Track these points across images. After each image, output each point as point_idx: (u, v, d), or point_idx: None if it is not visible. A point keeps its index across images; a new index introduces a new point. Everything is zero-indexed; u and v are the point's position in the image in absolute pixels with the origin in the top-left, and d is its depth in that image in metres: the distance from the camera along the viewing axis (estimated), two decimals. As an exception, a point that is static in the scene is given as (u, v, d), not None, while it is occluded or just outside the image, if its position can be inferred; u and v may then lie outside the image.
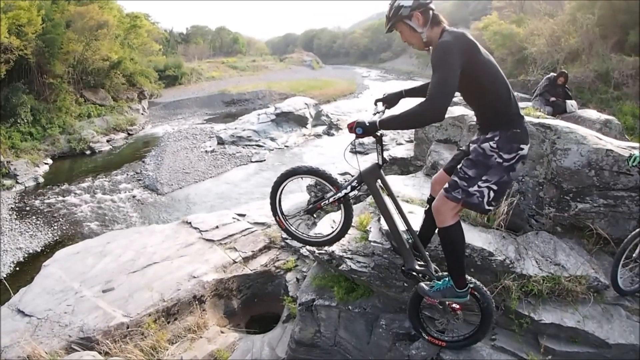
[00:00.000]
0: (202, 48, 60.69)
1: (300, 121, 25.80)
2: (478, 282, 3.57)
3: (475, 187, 3.06)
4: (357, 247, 4.65)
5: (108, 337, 5.10)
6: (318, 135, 25.45)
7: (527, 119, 4.88)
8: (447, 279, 3.41)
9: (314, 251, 4.82)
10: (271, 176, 17.96)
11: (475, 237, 4.31)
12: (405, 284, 4.33)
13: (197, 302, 5.83)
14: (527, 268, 4.21)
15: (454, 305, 3.65)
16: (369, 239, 4.50)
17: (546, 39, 27.46)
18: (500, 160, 3.03)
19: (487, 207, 3.10)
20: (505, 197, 4.56)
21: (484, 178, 3.06)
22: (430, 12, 2.98)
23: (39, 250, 12.88)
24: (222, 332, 5.71)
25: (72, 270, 6.54)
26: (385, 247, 4.31)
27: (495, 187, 3.05)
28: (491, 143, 3.05)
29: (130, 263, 6.47)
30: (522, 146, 3.03)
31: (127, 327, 5.25)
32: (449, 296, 3.42)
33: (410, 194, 5.21)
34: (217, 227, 7.46)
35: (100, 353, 4.88)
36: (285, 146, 23.33)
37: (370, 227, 4.72)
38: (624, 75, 20.82)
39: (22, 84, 22.91)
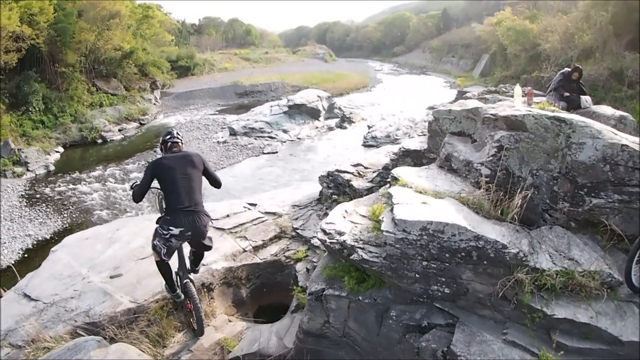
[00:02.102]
0: (215, 39, 60.79)
1: (313, 113, 25.71)
2: None
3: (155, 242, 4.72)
4: (369, 237, 4.59)
5: (114, 323, 5.06)
6: (330, 128, 25.41)
7: (541, 112, 4.92)
8: None
9: (326, 240, 4.76)
10: (283, 168, 18.30)
11: (488, 229, 4.24)
12: (417, 275, 4.26)
13: (205, 290, 5.78)
14: (541, 262, 4.14)
15: None
16: (382, 228, 4.44)
17: (560, 36, 27.43)
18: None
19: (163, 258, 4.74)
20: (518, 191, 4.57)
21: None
22: None
23: (48, 238, 12.95)
24: (229, 321, 5.66)
25: (81, 256, 6.49)
26: (397, 237, 4.25)
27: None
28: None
29: (139, 250, 6.43)
30: (171, 228, 4.61)
31: (134, 313, 5.21)
32: None
33: (424, 185, 5.14)
34: (227, 215, 7.40)
35: (105, 338, 4.84)
36: (298, 138, 23.28)
37: (382, 217, 4.65)
38: (637, 74, 20.67)
39: (34, 72, 23.00)
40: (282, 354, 5.20)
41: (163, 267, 4.84)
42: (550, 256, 4.25)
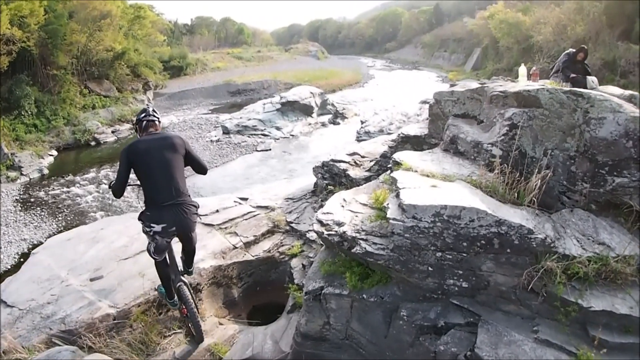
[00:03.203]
0: (207, 39, 60.48)
1: (306, 110, 25.59)
2: None
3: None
4: (373, 227, 4.08)
5: (92, 330, 4.58)
6: (324, 124, 25.28)
7: (555, 87, 4.57)
8: None
9: (323, 232, 4.25)
10: (277, 165, 18.23)
11: (510, 213, 3.74)
12: (430, 268, 3.76)
13: (192, 291, 5.28)
14: (569, 248, 3.67)
15: None
16: (388, 216, 3.91)
17: (552, 28, 27.62)
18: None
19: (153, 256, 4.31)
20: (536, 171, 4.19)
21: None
22: None
23: (43, 241, 12.55)
24: (220, 324, 5.17)
25: (62, 257, 6.07)
26: (406, 225, 3.73)
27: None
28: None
29: (122, 249, 5.95)
30: (152, 225, 4.11)
31: (114, 319, 4.73)
32: None
33: (431, 169, 4.64)
34: (217, 211, 6.93)
35: (82, 348, 4.35)
36: (291, 135, 23.14)
37: (387, 204, 4.13)
38: (630, 64, 20.94)
39: (26, 75, 22.64)
40: (279, 360, 4.70)
41: (159, 268, 4.38)
42: (577, 241, 3.79)
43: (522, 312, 3.69)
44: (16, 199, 15.92)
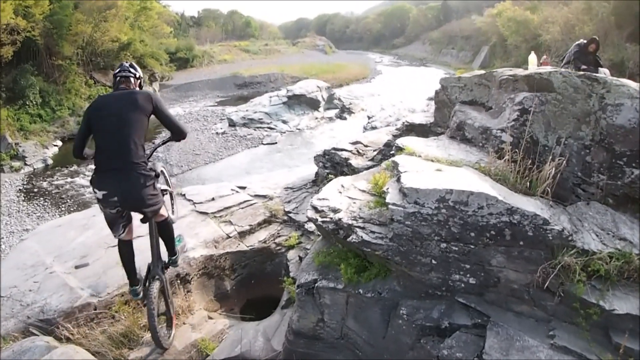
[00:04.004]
0: (214, 31, 60.68)
1: (313, 104, 25.44)
2: None
3: None
4: (371, 215, 3.73)
5: (71, 320, 4.31)
6: (330, 119, 25.19)
7: (569, 70, 4.28)
8: None
9: (317, 219, 3.91)
10: (282, 158, 18.17)
11: (522, 202, 3.39)
12: (433, 261, 3.42)
13: (180, 281, 4.97)
14: (588, 242, 3.32)
15: None
16: (387, 200, 3.56)
17: (560, 27, 27.39)
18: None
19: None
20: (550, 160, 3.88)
21: None
22: None
23: (44, 232, 12.55)
24: (209, 318, 4.86)
25: (50, 244, 5.83)
26: (407, 211, 3.38)
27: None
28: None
29: (111, 236, 5.65)
30: (95, 190, 3.56)
31: (95, 309, 4.45)
32: None
33: (436, 154, 4.31)
34: (212, 199, 6.62)
35: (60, 339, 4.08)
36: (297, 129, 23.07)
37: (387, 188, 3.78)
38: (638, 66, 20.63)
39: (31, 65, 22.63)
40: (270, 359, 4.36)
41: (119, 247, 3.95)
42: (597, 235, 3.45)
43: (537, 314, 3.35)
44: (19, 189, 15.96)
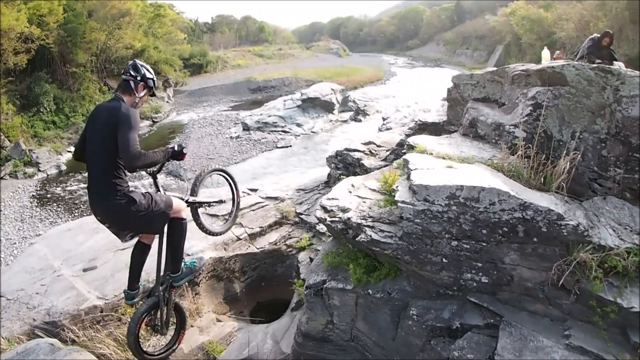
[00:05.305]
0: (228, 37, 61.09)
1: (327, 107, 25.48)
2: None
3: None
4: (381, 214, 3.63)
5: (77, 323, 4.28)
6: (345, 121, 25.17)
7: (583, 64, 4.12)
8: None
9: (326, 218, 3.81)
10: (296, 161, 18.22)
11: (536, 197, 3.25)
12: (444, 260, 3.29)
13: (188, 284, 4.90)
14: (605, 238, 3.18)
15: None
16: (396, 198, 3.46)
17: (575, 24, 27.20)
18: None
19: None
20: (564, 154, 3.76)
21: None
22: None
23: (58, 238, 12.65)
24: (218, 321, 4.80)
25: (59, 248, 5.86)
26: (417, 208, 3.27)
27: None
28: None
29: (120, 240, 5.65)
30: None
31: (101, 311, 4.40)
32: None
33: (447, 151, 4.19)
34: (223, 201, 6.54)
35: (65, 341, 4.04)
36: (312, 132, 23.09)
37: (397, 186, 3.68)
38: None
39: (45, 73, 22.97)
40: (278, 361, 4.28)
41: (134, 247, 3.59)
42: (614, 230, 3.31)
43: (551, 313, 3.22)
44: (33, 195, 16.09)
